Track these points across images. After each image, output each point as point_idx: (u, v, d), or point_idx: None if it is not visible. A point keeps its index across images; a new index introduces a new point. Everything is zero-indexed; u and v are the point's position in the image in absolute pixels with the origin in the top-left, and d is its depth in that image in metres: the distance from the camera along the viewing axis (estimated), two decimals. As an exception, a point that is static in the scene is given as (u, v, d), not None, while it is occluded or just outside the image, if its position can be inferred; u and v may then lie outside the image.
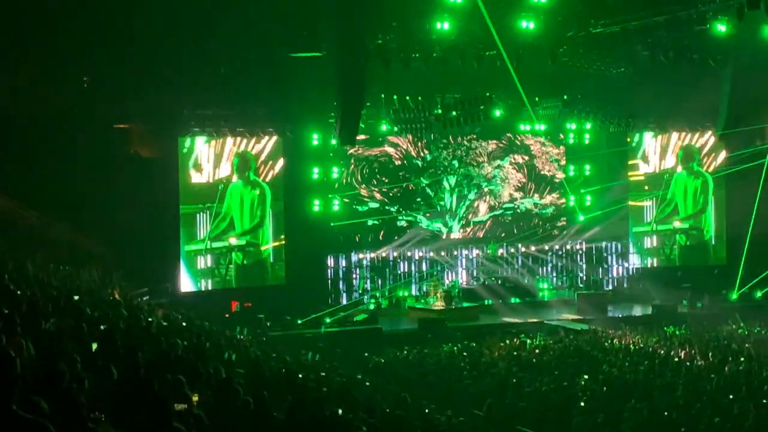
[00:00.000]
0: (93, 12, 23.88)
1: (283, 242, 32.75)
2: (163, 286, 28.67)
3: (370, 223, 35.20)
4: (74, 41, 24.51)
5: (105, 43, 24.93)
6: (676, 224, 37.25)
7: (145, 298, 23.85)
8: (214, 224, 31.90)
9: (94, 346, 10.65)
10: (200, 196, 31.74)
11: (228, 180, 32.15)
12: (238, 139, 31.91)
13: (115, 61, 26.04)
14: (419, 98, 31.99)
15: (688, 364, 20.30)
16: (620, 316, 31.99)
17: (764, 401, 16.52)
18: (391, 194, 35.46)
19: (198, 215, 31.70)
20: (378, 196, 35.27)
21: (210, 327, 21.25)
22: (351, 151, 34.25)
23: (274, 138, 32.42)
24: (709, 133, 35.93)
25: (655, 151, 37.16)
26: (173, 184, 30.61)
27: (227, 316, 28.89)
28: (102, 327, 12.02)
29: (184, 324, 19.87)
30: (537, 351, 23.95)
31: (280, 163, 32.57)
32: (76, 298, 15.07)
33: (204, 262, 31.79)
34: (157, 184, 29.61)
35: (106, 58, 25.80)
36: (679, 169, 37.16)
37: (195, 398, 9.43)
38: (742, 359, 21.06)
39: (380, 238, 35.10)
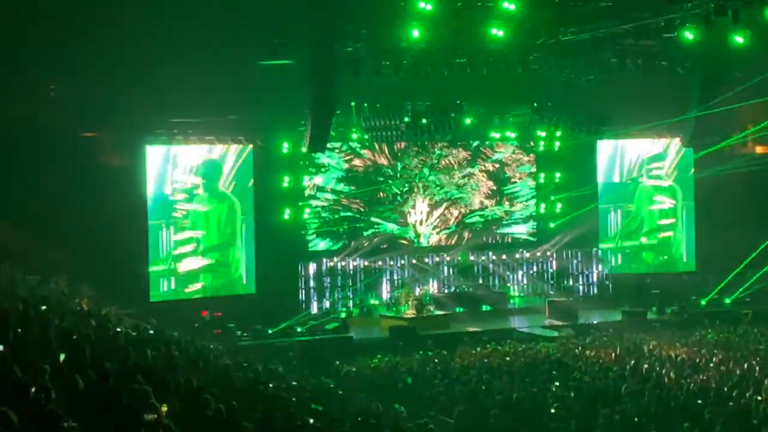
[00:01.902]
0: (58, 19, 23.73)
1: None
2: (132, 295, 28.44)
3: (340, 231, 35.14)
4: (40, 49, 24.34)
5: (71, 50, 24.75)
6: (643, 240, 37.50)
7: (113, 308, 23.67)
8: (178, 241, 31.47)
9: (62, 356, 10.55)
10: (164, 208, 31.27)
11: (194, 192, 31.80)
12: (206, 147, 31.75)
13: (82, 69, 25.86)
14: (389, 106, 32.00)
15: (658, 369, 20.35)
16: (590, 322, 32.07)
17: (731, 404, 16.60)
18: (361, 202, 35.43)
19: (161, 231, 31.10)
20: (348, 203, 35.23)
21: (179, 336, 21.12)
22: (321, 159, 34.19)
23: (244, 146, 32.31)
24: (678, 141, 36.12)
25: (623, 160, 37.36)
26: (141, 192, 30.40)
27: (197, 325, 28.72)
28: (70, 337, 11.90)
29: (152, 333, 19.75)
30: (508, 358, 23.95)
31: (250, 171, 32.43)
32: (44, 308, 14.93)
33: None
34: (125, 192, 29.40)
35: (71, 65, 25.61)
36: (646, 179, 37.41)
37: (164, 408, 9.35)
38: (711, 365, 21.18)
39: (351, 245, 35.03)
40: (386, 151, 35.48)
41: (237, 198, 32.35)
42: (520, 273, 37.12)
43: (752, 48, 25.98)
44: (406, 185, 35.93)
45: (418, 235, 36.15)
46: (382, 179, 35.59)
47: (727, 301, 32.92)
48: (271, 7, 25.63)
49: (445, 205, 36.47)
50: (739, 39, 25.45)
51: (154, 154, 30.81)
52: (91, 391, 8.71)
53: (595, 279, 37.43)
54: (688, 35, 24.92)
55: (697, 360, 21.97)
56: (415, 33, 25.55)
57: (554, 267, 37.16)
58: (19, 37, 23.78)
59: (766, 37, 25.38)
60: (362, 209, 35.43)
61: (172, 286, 31.18)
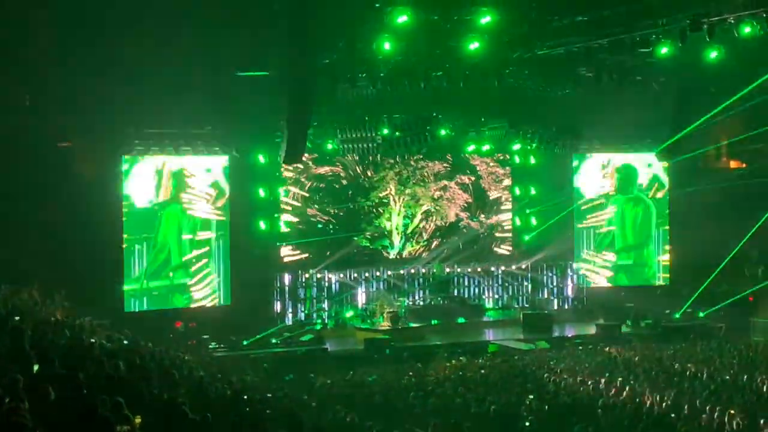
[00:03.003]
0: (34, 30, 23.64)
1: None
2: (107, 305, 28.29)
3: (316, 242, 35.09)
4: (15, 59, 24.22)
5: (47, 60, 24.65)
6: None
7: (87, 318, 23.52)
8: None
9: (36, 367, 10.49)
10: (138, 223, 31.03)
11: (165, 204, 31.63)
12: (183, 158, 31.66)
13: (58, 79, 25.75)
14: (366, 118, 32.00)
15: (632, 383, 20.41)
16: (565, 335, 32.17)
17: (704, 417, 16.66)
18: (337, 214, 35.44)
19: (134, 248, 30.87)
20: (324, 215, 35.23)
21: (154, 347, 21.02)
22: (297, 170, 34.16)
23: (221, 157, 32.23)
24: (653, 155, 36.24)
25: (597, 174, 37.49)
26: (117, 203, 30.31)
27: (171, 336, 28.58)
28: (43, 348, 11.82)
29: (126, 344, 19.63)
30: (483, 371, 23.96)
31: (226, 182, 32.37)
32: (17, 318, 14.83)
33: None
34: (101, 203, 29.28)
35: (47, 74, 25.49)
36: (620, 194, 37.57)
37: (137, 420, 9.31)
38: (684, 378, 21.25)
39: (326, 257, 35.01)
40: (362, 164, 35.50)
41: (213, 211, 32.22)
42: (496, 285, 37.21)
43: (726, 63, 26.18)
44: (382, 198, 35.95)
45: (393, 248, 36.17)
46: (358, 191, 35.61)
47: (701, 314, 33.10)
48: (248, 18, 25.61)
49: (420, 217, 36.52)
50: (713, 54, 25.66)
51: (129, 165, 30.73)
52: (64, 402, 8.67)
53: (569, 292, 37.54)
54: (663, 50, 25.11)
55: (671, 373, 22.04)
56: (387, 46, 25.64)
57: (529, 280, 37.23)
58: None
59: (739, 53, 25.58)
60: (337, 221, 35.44)
61: (144, 306, 30.86)
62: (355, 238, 35.64)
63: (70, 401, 8.70)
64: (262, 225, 33.33)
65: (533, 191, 37.24)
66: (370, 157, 35.00)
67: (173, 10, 23.93)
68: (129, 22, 24.12)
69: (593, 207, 37.53)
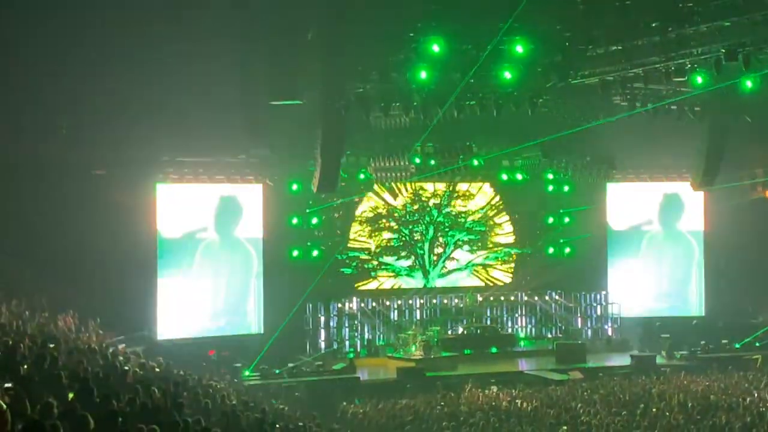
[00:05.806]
0: (70, 59, 23.92)
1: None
2: (140, 333, 28.42)
3: (349, 271, 35.13)
4: (51, 88, 24.50)
5: (83, 89, 24.92)
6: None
7: (121, 346, 23.64)
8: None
9: (71, 395, 10.52)
10: (171, 253, 31.05)
11: (203, 237, 31.79)
12: (217, 187, 31.81)
13: (93, 108, 26.01)
14: (399, 147, 32.02)
15: (667, 414, 20.22)
16: (599, 366, 31.90)
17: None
18: (370, 243, 35.44)
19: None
20: (357, 244, 35.26)
21: (186, 375, 21.06)
22: (330, 199, 34.21)
23: (254, 185, 32.35)
24: (688, 185, 35.84)
25: (632, 205, 37.13)
26: (151, 231, 30.46)
27: (204, 364, 28.62)
28: (78, 375, 11.87)
29: (159, 371, 19.70)
30: (516, 401, 23.81)
31: (260, 211, 32.46)
32: (52, 345, 14.91)
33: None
34: (135, 231, 29.45)
35: (83, 104, 25.77)
36: (658, 228, 37.21)
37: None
38: (720, 412, 21.02)
39: (359, 286, 35.03)
40: (395, 192, 35.52)
41: (248, 242, 32.29)
42: (529, 315, 36.97)
43: (762, 92, 26.01)
44: (416, 226, 35.93)
45: (426, 277, 36.10)
46: (391, 220, 35.61)
47: (737, 346, 32.77)
48: (282, 48, 25.76)
49: (453, 246, 36.44)
50: (749, 83, 25.50)
51: (163, 194, 30.88)
52: (100, 430, 8.68)
53: (603, 322, 37.21)
54: (699, 79, 24.99)
55: (707, 406, 21.81)
56: (423, 74, 25.68)
57: (562, 310, 36.96)
58: (31, 76, 23.97)
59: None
60: (371, 250, 35.45)
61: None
62: (389, 267, 35.64)
63: (105, 429, 8.71)
64: (295, 253, 33.38)
65: (567, 220, 37.03)
66: (403, 186, 35.07)
67: (208, 39, 24.15)
68: (165, 52, 24.35)
69: (628, 239, 37.15)
